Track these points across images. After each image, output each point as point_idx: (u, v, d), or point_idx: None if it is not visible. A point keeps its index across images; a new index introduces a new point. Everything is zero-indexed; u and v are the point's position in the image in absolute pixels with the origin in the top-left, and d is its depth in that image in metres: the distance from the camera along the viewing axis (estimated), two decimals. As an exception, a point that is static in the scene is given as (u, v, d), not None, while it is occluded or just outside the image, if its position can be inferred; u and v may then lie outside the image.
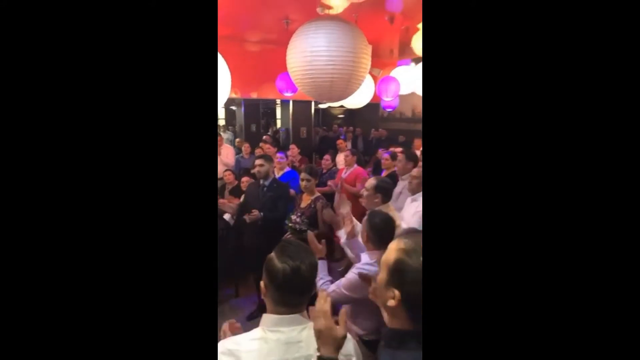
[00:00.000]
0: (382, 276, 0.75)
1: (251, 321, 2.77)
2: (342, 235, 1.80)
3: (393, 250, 0.76)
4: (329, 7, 2.71)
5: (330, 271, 1.62)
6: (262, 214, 2.50)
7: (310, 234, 1.63)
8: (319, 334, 0.79)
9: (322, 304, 0.82)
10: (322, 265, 1.55)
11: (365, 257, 1.51)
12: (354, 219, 1.76)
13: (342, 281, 1.47)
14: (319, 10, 3.11)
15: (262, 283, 0.89)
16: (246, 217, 2.52)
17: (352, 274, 1.46)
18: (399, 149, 3.73)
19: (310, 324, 0.85)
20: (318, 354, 0.78)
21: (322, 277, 1.52)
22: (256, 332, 0.86)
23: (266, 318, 0.88)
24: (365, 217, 1.53)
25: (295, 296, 0.87)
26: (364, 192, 2.04)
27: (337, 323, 0.80)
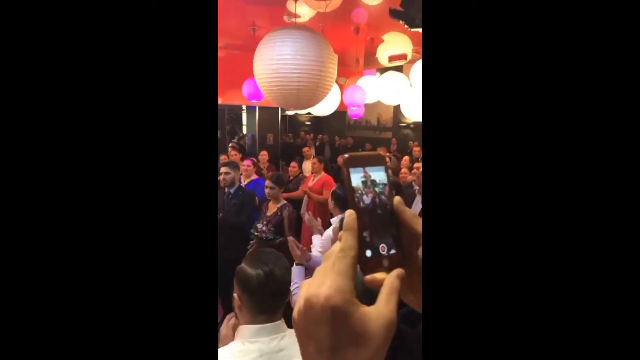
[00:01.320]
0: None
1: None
2: (315, 240, 1.82)
3: (330, 237, 0.81)
4: (296, 16, 2.72)
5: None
6: (220, 214, 2.45)
7: (291, 240, 1.64)
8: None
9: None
10: (299, 271, 1.57)
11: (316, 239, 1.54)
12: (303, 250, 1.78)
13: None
14: (285, 18, 3.12)
15: (235, 296, 0.87)
16: None
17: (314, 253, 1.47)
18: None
19: (290, 332, 0.85)
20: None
21: (296, 282, 1.52)
22: (234, 345, 0.83)
23: (244, 329, 0.85)
24: (337, 225, 1.57)
25: (271, 301, 0.86)
26: (331, 201, 2.07)
27: None
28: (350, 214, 0.31)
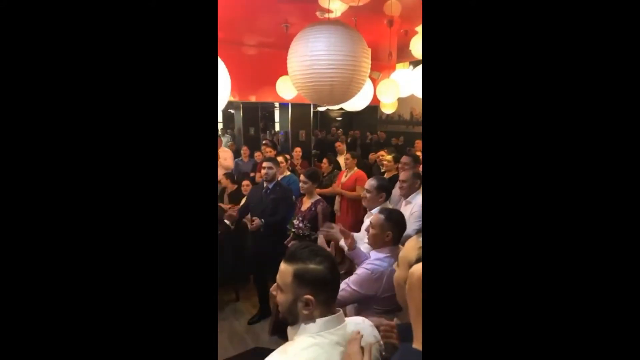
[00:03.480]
0: (401, 273, 0.79)
1: (252, 325, 2.76)
2: (343, 245, 1.81)
3: (413, 248, 0.79)
4: (329, 11, 2.71)
5: None
6: (262, 220, 2.50)
7: (321, 238, 1.66)
8: (347, 356, 0.81)
9: (355, 334, 0.85)
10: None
11: (374, 254, 1.52)
12: (351, 233, 1.77)
13: (352, 278, 1.47)
14: (318, 14, 3.12)
15: (307, 298, 0.83)
16: (249, 226, 2.52)
17: (362, 270, 1.46)
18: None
19: (349, 321, 0.88)
20: None
21: None
22: (306, 341, 0.82)
23: (316, 324, 0.83)
24: (383, 216, 1.54)
25: (336, 291, 0.89)
26: (366, 194, 2.05)
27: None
28: None
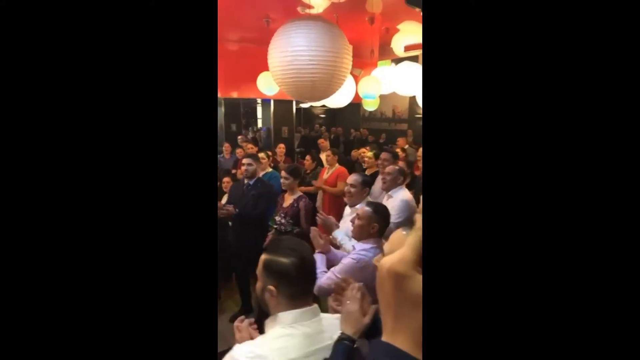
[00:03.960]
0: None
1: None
2: (337, 235, 1.85)
3: (399, 241, 0.81)
4: (310, 7, 2.71)
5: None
6: (237, 210, 2.49)
7: (314, 230, 1.70)
8: (348, 316, 0.84)
9: (355, 293, 0.88)
10: (321, 258, 1.62)
11: (360, 245, 1.56)
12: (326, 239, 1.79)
13: (337, 267, 1.50)
14: (299, 9, 3.11)
15: (270, 288, 0.87)
16: (219, 212, 2.49)
17: (347, 259, 1.50)
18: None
19: (324, 315, 0.89)
20: (340, 332, 0.83)
21: (318, 268, 1.57)
22: (277, 331, 0.85)
23: (283, 316, 0.86)
24: (370, 209, 1.59)
25: (307, 286, 0.89)
26: (350, 189, 2.07)
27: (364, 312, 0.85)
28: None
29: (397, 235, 0.85)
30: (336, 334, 0.84)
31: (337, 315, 0.93)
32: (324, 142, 4.99)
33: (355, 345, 0.82)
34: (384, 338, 0.37)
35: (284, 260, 0.87)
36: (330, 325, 0.88)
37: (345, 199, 2.19)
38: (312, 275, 0.91)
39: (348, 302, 0.87)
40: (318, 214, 1.94)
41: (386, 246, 0.90)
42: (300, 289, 0.88)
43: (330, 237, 1.90)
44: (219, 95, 4.91)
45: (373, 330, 0.83)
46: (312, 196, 3.25)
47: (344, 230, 1.97)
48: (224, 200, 3.15)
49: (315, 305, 0.90)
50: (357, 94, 3.92)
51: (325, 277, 1.50)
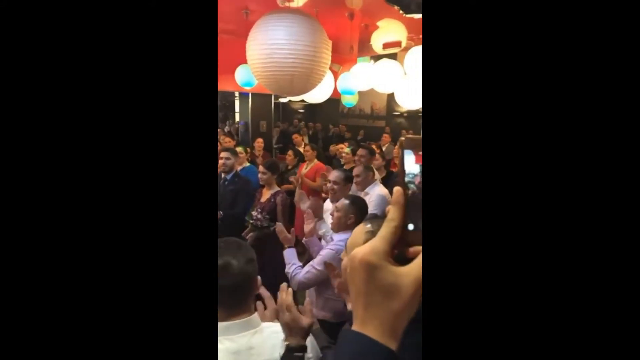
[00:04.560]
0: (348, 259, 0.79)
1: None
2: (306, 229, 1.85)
3: (360, 233, 0.81)
4: (290, 0, 2.68)
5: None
6: (221, 212, 2.46)
7: (280, 225, 1.69)
8: (286, 326, 0.80)
9: (284, 297, 0.82)
10: (291, 253, 1.62)
11: (337, 236, 1.57)
12: (314, 218, 1.82)
13: (316, 259, 1.52)
14: (279, 2, 3.07)
15: None
16: None
17: (325, 251, 1.51)
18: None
19: (264, 327, 0.83)
20: (286, 342, 0.78)
21: (293, 263, 1.58)
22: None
23: (220, 327, 0.80)
24: (347, 201, 1.63)
25: (231, 295, 0.80)
26: (334, 186, 2.08)
27: (302, 313, 0.81)
28: (398, 190, 0.36)
29: (359, 229, 0.85)
30: (265, 355, 0.79)
31: (276, 325, 0.86)
32: (298, 138, 4.97)
33: (305, 354, 0.78)
34: (355, 327, 0.37)
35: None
36: (264, 342, 0.80)
37: (329, 197, 2.20)
38: (241, 285, 0.81)
39: (281, 312, 0.81)
40: (310, 197, 1.96)
41: (349, 240, 0.88)
42: (225, 298, 0.79)
43: (317, 230, 1.92)
44: (196, 87, 4.79)
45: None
46: (293, 195, 3.24)
47: (327, 223, 1.99)
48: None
49: (248, 318, 0.82)
50: (335, 90, 3.92)
51: (304, 272, 1.51)
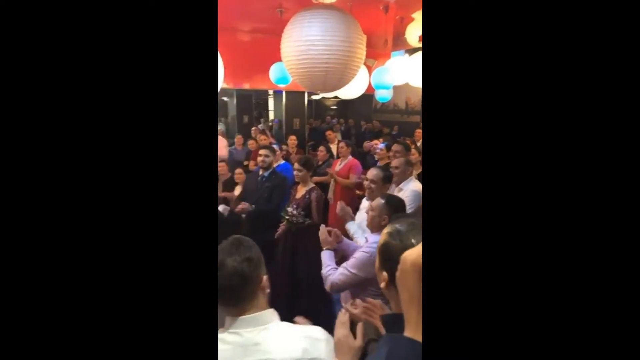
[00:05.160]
0: (377, 260, 0.81)
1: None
2: (350, 227, 1.85)
3: (383, 234, 0.81)
4: (323, -4, 2.67)
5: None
6: (253, 206, 2.50)
7: (322, 227, 1.68)
8: (337, 343, 0.81)
9: (342, 315, 0.85)
10: (328, 255, 1.60)
11: (373, 237, 1.54)
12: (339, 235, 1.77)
13: (350, 262, 1.49)
14: (313, -2, 3.07)
15: None
16: (236, 209, 2.52)
17: (360, 253, 1.48)
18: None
19: (274, 325, 0.84)
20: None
21: (329, 265, 1.57)
22: (220, 333, 0.83)
23: (227, 320, 0.84)
24: (382, 201, 1.57)
25: (228, 292, 0.80)
26: (371, 185, 2.04)
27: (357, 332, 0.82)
28: None
29: (385, 230, 0.84)
30: (271, 353, 0.79)
31: (295, 326, 0.86)
32: (331, 134, 4.96)
33: None
34: (408, 333, 0.36)
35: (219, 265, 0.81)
36: (271, 339, 0.81)
37: (366, 195, 2.17)
38: (237, 284, 0.81)
39: (337, 328, 0.82)
40: (338, 202, 1.94)
41: (378, 242, 0.87)
42: (224, 294, 0.80)
43: (346, 228, 1.89)
44: (231, 86, 4.91)
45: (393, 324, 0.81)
46: (324, 188, 3.24)
47: (357, 222, 1.96)
48: (237, 191, 3.17)
49: (258, 314, 0.83)
50: (369, 85, 3.87)
51: (337, 273, 1.49)
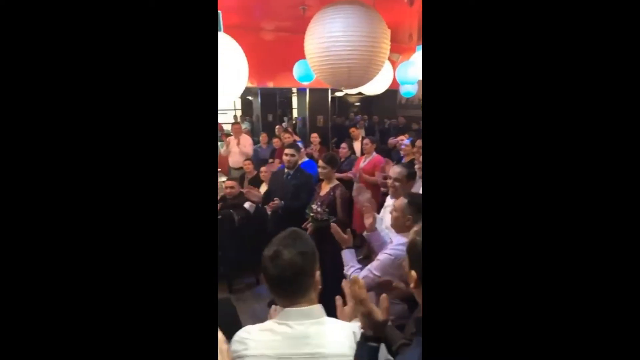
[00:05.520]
0: (406, 259, 0.82)
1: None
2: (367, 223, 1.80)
3: (411, 233, 0.81)
4: (346, -9, 2.64)
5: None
6: (282, 202, 2.53)
7: (334, 226, 1.63)
8: (362, 318, 0.81)
9: (356, 290, 0.82)
10: (349, 254, 1.57)
11: (398, 238, 1.51)
12: (374, 212, 1.74)
13: (374, 264, 1.47)
14: (335, -5, 3.04)
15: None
16: (267, 206, 2.55)
17: (383, 255, 1.46)
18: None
19: (324, 321, 0.84)
20: (362, 330, 0.80)
21: (352, 265, 1.54)
22: (267, 324, 0.85)
23: (277, 310, 0.86)
24: (405, 200, 1.52)
25: (280, 285, 0.82)
26: (395, 183, 1.99)
27: (379, 307, 0.82)
28: None
29: (412, 233, 0.83)
30: (321, 347, 0.79)
31: (343, 323, 0.87)
32: (355, 131, 4.92)
33: (379, 345, 0.78)
34: None
35: (265, 252, 0.84)
36: (320, 335, 0.81)
37: (390, 193, 2.12)
38: (291, 276, 0.81)
39: (353, 304, 0.82)
40: (356, 185, 1.88)
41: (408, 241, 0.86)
42: (275, 287, 0.82)
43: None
44: (256, 85, 4.97)
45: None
46: (348, 186, 3.23)
47: (383, 221, 1.92)
48: (263, 188, 3.22)
49: (308, 308, 0.83)
50: (394, 80, 3.81)
51: (362, 275, 1.47)
